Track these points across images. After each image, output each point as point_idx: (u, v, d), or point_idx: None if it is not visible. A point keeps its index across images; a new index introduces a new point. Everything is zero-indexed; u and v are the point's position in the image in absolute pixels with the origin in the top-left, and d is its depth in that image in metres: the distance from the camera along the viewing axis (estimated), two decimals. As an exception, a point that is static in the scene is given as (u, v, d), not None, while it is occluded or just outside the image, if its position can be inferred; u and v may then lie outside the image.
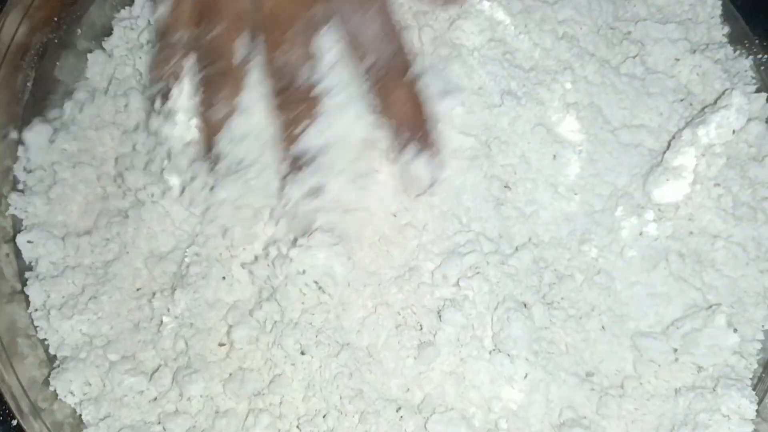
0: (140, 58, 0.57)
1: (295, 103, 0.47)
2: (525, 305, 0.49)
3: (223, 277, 0.50)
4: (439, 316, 0.48)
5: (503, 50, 0.54)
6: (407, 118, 0.49)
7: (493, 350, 0.48)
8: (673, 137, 0.53)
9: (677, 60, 0.56)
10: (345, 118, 0.48)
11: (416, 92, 0.49)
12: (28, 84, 0.55)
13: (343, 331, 0.48)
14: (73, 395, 0.48)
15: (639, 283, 0.51)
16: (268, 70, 0.48)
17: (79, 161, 0.55)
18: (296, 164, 0.48)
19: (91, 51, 0.59)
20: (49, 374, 0.49)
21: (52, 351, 0.50)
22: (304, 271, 0.47)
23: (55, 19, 0.57)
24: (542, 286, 0.50)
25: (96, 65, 0.58)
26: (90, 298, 0.50)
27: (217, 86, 0.48)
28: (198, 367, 0.48)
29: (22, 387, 0.47)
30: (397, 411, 0.47)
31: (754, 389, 0.48)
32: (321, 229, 0.48)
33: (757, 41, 0.57)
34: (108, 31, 0.59)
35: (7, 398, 0.45)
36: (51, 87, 0.57)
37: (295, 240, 0.48)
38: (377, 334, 0.48)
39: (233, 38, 0.48)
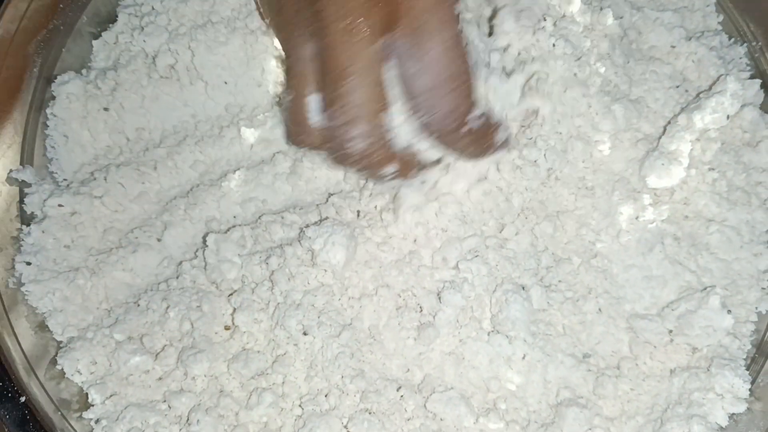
0: (144, 41, 0.57)
1: (359, 168, 0.46)
2: (523, 288, 0.50)
3: (230, 260, 0.51)
4: (439, 298, 0.49)
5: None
6: (474, 155, 0.48)
7: (492, 331, 0.49)
8: (669, 122, 0.54)
9: (673, 47, 0.56)
10: None
11: (481, 132, 0.46)
12: (35, 69, 0.56)
13: (344, 312, 0.49)
14: (80, 374, 0.49)
15: (635, 266, 0.52)
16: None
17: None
18: None
19: (96, 37, 0.60)
20: (56, 353, 0.49)
21: (59, 330, 0.51)
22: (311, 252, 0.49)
23: (60, 6, 0.57)
24: (540, 269, 0.51)
25: (101, 51, 0.59)
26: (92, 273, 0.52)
27: None
28: (203, 348, 0.49)
29: (31, 365, 0.48)
30: (397, 390, 0.47)
31: (747, 369, 0.49)
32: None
33: (751, 29, 0.58)
34: (112, 18, 0.60)
35: (16, 376, 0.46)
36: (58, 72, 0.58)
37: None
38: (378, 315, 0.49)
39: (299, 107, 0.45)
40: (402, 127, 0.46)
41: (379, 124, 0.44)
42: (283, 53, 0.48)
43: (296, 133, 0.46)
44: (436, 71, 0.43)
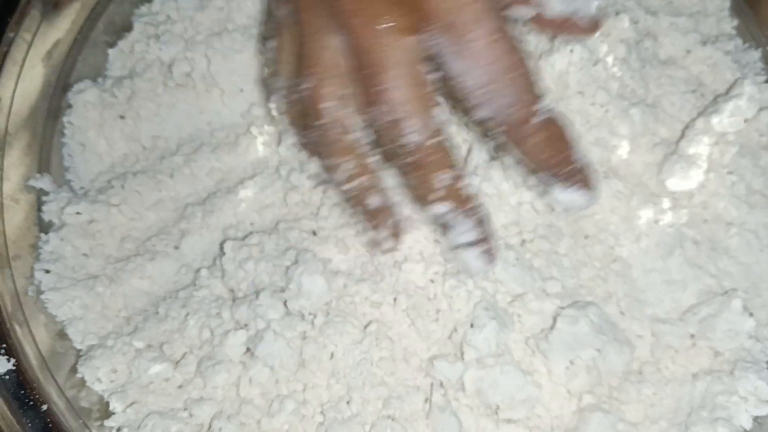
0: (160, 49, 0.58)
1: (412, 163, 0.43)
2: (544, 293, 0.49)
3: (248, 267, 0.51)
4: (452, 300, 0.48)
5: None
6: (549, 162, 0.43)
7: (514, 338, 0.48)
8: (687, 126, 0.54)
9: (688, 52, 0.57)
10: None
11: (553, 130, 0.43)
12: (52, 78, 0.56)
13: (365, 318, 0.49)
14: (101, 382, 0.49)
15: (655, 270, 0.52)
16: (370, 128, 0.43)
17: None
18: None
19: (111, 46, 0.60)
20: (77, 361, 0.49)
21: (79, 338, 0.51)
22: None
23: (76, 15, 0.57)
24: (561, 275, 0.51)
25: (117, 60, 0.59)
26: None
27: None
28: (221, 358, 0.48)
29: (51, 374, 0.47)
30: (420, 396, 0.47)
31: (770, 371, 0.49)
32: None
33: (765, 33, 0.58)
34: (128, 27, 0.60)
35: (37, 384, 0.46)
36: (74, 81, 0.58)
37: None
38: (399, 321, 0.49)
39: (321, 95, 0.43)
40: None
41: (431, 119, 0.42)
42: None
43: (307, 126, 0.45)
44: (485, 65, 0.40)
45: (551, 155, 0.43)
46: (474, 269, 0.46)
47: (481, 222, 0.45)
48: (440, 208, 0.43)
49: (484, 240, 0.45)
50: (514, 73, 0.41)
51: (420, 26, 0.40)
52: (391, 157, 0.44)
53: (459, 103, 0.43)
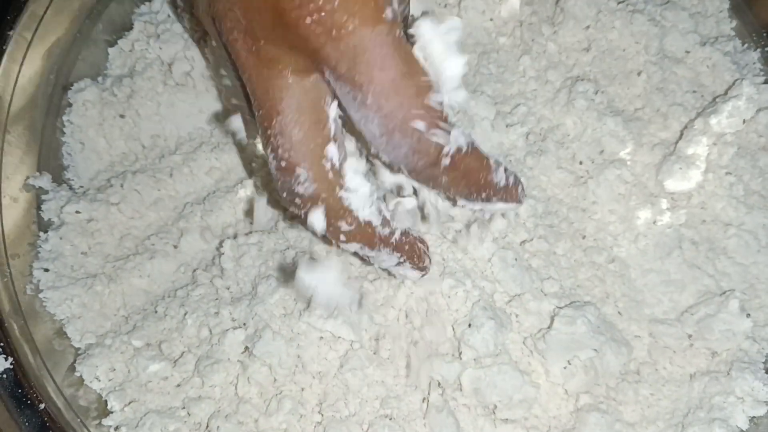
0: (160, 48, 0.58)
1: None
2: (542, 292, 0.49)
3: (247, 266, 0.51)
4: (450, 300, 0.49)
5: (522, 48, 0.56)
6: (468, 194, 0.41)
7: (512, 339, 0.48)
8: (685, 127, 0.54)
9: (687, 52, 0.57)
10: None
11: (467, 163, 0.39)
12: (51, 77, 0.56)
13: (364, 317, 0.49)
14: (99, 381, 0.49)
15: (653, 270, 0.52)
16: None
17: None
18: None
19: (111, 45, 0.60)
20: (75, 360, 0.49)
21: (77, 337, 0.51)
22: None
23: (76, 14, 0.57)
24: (559, 275, 0.51)
25: (117, 58, 0.59)
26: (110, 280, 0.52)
27: None
28: (219, 357, 0.48)
29: (49, 372, 0.48)
30: (417, 396, 0.47)
31: (767, 372, 0.49)
32: None
33: (764, 34, 0.58)
34: (128, 26, 0.60)
35: (35, 383, 0.45)
36: (74, 80, 0.58)
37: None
38: (398, 320, 0.49)
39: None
40: (358, 176, 0.41)
41: (326, 164, 0.39)
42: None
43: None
44: (384, 116, 0.36)
45: (468, 188, 0.41)
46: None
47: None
48: (349, 247, 0.42)
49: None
50: (412, 123, 0.37)
51: (319, 68, 0.37)
52: (287, 205, 0.41)
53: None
